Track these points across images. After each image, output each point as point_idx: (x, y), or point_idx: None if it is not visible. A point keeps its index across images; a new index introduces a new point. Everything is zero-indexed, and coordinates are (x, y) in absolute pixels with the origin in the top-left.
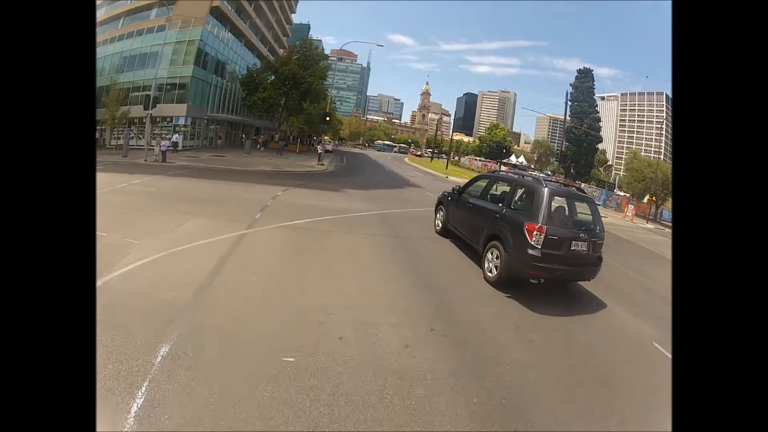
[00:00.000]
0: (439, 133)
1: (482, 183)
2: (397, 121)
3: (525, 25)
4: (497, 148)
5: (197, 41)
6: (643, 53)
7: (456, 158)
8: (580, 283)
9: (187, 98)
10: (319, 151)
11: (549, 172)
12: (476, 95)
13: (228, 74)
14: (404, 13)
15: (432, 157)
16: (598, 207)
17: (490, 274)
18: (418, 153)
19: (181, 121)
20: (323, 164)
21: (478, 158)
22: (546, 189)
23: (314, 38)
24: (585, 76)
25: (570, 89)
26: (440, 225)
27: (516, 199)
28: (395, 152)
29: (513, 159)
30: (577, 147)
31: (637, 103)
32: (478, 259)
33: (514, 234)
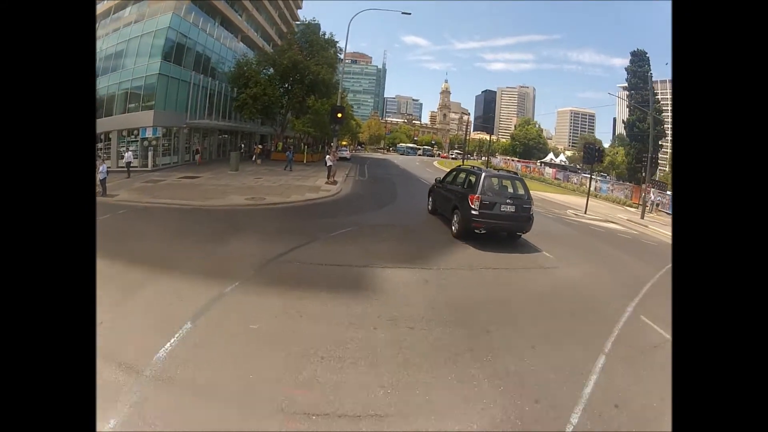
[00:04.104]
0: (461, 132)
1: (452, 174)
2: (418, 122)
3: (536, 19)
4: (589, 150)
5: (165, 29)
6: (658, 40)
7: (488, 159)
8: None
9: (154, 103)
10: (328, 163)
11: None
12: (495, 92)
13: (219, 72)
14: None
15: (463, 160)
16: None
17: (454, 231)
18: (453, 156)
19: (149, 133)
20: (335, 182)
21: (513, 158)
22: (483, 174)
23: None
24: (640, 60)
25: (626, 75)
26: (431, 207)
27: (469, 181)
28: (420, 155)
29: (554, 159)
30: (641, 144)
31: (660, 91)
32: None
33: (464, 203)
